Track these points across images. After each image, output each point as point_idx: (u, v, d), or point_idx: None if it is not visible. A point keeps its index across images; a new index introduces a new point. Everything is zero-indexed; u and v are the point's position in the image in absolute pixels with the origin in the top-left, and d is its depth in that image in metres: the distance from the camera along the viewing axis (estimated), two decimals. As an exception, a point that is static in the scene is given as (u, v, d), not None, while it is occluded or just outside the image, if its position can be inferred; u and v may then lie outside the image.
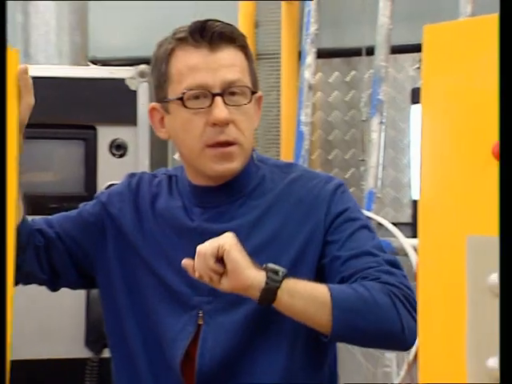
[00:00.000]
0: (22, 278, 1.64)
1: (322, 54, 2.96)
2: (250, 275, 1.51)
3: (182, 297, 1.68)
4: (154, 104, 1.72)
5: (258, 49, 3.18)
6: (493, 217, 1.11)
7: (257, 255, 1.61)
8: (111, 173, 2.67)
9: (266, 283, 1.50)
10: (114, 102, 2.65)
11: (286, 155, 2.98)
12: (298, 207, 1.69)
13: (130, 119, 2.65)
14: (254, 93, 1.67)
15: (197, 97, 1.62)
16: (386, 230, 2.68)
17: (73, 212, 1.82)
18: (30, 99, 1.48)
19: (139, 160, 2.67)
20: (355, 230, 1.68)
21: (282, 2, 3.01)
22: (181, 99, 1.62)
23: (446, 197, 1.17)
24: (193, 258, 1.58)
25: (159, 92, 1.69)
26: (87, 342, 2.51)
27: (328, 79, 3.01)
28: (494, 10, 1.14)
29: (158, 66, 1.67)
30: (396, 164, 2.92)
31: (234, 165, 1.65)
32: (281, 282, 1.52)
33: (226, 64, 1.63)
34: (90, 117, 2.66)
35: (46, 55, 2.77)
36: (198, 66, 1.62)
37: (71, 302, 2.54)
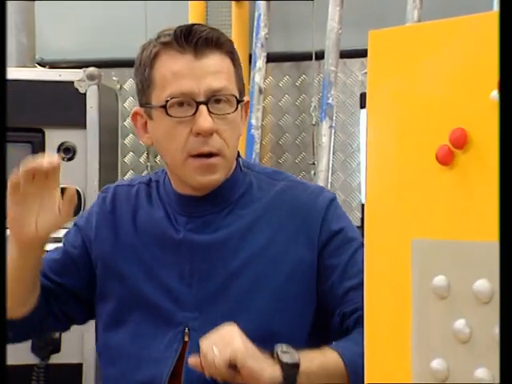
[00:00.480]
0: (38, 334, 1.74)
1: (272, 57, 2.97)
2: (267, 377, 1.46)
3: (166, 313, 1.64)
4: (137, 109, 1.67)
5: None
6: (437, 220, 1.13)
7: (246, 268, 1.61)
8: (59, 176, 2.64)
9: (284, 378, 1.46)
10: (62, 104, 2.64)
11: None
12: (289, 220, 1.66)
13: (79, 122, 2.63)
14: (240, 101, 1.62)
15: (181, 104, 1.57)
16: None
17: (58, 250, 1.76)
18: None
19: (88, 163, 2.65)
20: (353, 253, 1.65)
21: (233, 5, 3.01)
22: (164, 107, 1.58)
23: (391, 200, 1.18)
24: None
25: (142, 97, 1.64)
26: (33, 347, 2.48)
27: (278, 83, 3.02)
28: (440, 17, 1.16)
29: (142, 70, 1.62)
30: (345, 168, 2.93)
31: (217, 176, 1.61)
32: (297, 374, 1.48)
33: (212, 71, 1.57)
34: (38, 120, 2.64)
35: (-8, 57, 2.73)
36: (183, 73, 1.57)
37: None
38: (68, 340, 2.64)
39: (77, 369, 2.64)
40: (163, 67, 1.58)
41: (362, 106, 2.62)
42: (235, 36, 3.01)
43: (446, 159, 1.11)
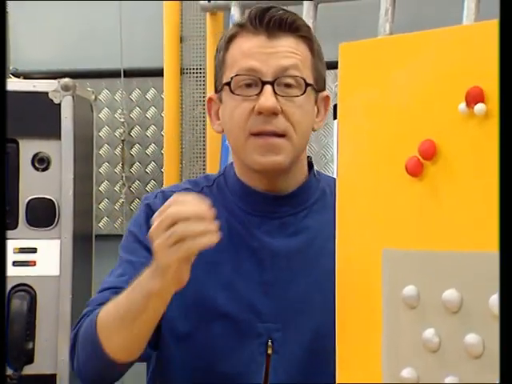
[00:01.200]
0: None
1: (246, 69, 2.97)
2: None
3: (244, 325, 1.51)
4: (211, 94, 1.59)
5: (183, 63, 3.18)
6: (408, 231, 1.14)
7: (328, 276, 1.39)
8: (34, 186, 2.64)
9: None
10: (36, 115, 2.62)
11: (212, 168, 2.98)
12: None
13: (54, 133, 2.62)
14: (311, 85, 1.50)
15: (248, 85, 1.48)
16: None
17: (127, 269, 1.54)
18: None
19: (63, 174, 2.64)
20: None
21: (208, 16, 3.02)
22: (229, 84, 1.49)
23: (362, 211, 1.19)
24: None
25: (216, 81, 1.56)
26: (8, 358, 2.46)
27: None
28: (411, 30, 1.17)
29: (218, 55, 1.56)
30: (320, 178, 2.93)
31: (280, 158, 1.48)
32: None
33: (284, 51, 1.48)
34: (12, 130, 2.58)
35: (-34, 67, 2.72)
36: (252, 51, 1.49)
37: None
38: (41, 350, 2.62)
39: (50, 379, 2.62)
40: (235, 48, 1.52)
41: (335, 117, 2.63)
42: (210, 47, 3.01)
43: (415, 170, 1.11)
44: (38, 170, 2.64)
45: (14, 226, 2.62)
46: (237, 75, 1.48)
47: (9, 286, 2.47)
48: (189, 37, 3.13)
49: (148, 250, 1.48)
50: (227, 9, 2.94)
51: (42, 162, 2.65)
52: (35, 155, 2.64)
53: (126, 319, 1.39)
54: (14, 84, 2.70)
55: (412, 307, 1.12)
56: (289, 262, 1.53)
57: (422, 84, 1.11)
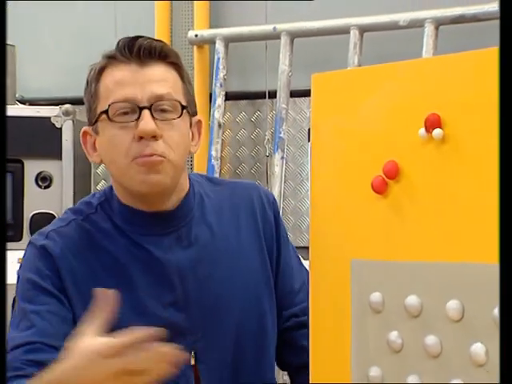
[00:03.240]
0: None
1: (230, 96, 2.97)
2: None
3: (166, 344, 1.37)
4: (85, 128, 1.45)
5: (172, 91, 3.18)
6: (374, 243, 1.13)
7: (230, 277, 1.45)
8: (37, 202, 2.62)
9: None
10: (40, 138, 2.61)
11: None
12: (243, 217, 1.52)
13: (55, 153, 2.61)
14: (185, 107, 1.41)
15: (125, 112, 1.37)
16: (282, 221, 2.70)
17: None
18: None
19: (64, 191, 2.63)
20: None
21: (195, 49, 3.02)
22: (106, 112, 1.37)
23: (332, 225, 1.19)
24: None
25: (90, 114, 1.43)
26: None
27: (236, 119, 3.02)
28: (377, 62, 1.18)
29: (89, 88, 1.43)
30: (296, 194, 2.94)
31: (161, 177, 1.38)
32: None
33: (156, 79, 1.39)
34: (18, 151, 2.61)
35: (-24, 95, 2.70)
36: (126, 80, 1.38)
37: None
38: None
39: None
40: (108, 79, 1.40)
41: (309, 139, 2.63)
42: (197, 77, 3.01)
43: (380, 188, 1.11)
44: (41, 188, 2.63)
45: (19, 238, 2.60)
46: (113, 103, 1.37)
47: (12, 295, 2.45)
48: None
49: (49, 294, 1.39)
50: (212, 42, 2.95)
51: (44, 180, 2.63)
52: (38, 174, 2.63)
53: None
54: (20, 110, 2.69)
55: (378, 312, 1.12)
56: (194, 272, 1.44)
57: (387, 111, 1.12)
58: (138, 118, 1.37)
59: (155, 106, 1.38)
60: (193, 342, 1.42)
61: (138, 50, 1.39)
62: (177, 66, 1.43)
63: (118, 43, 1.41)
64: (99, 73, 1.42)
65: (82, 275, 1.41)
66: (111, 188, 1.49)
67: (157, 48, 1.40)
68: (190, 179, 1.51)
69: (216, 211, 1.51)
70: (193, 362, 1.42)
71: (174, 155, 1.39)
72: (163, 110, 1.39)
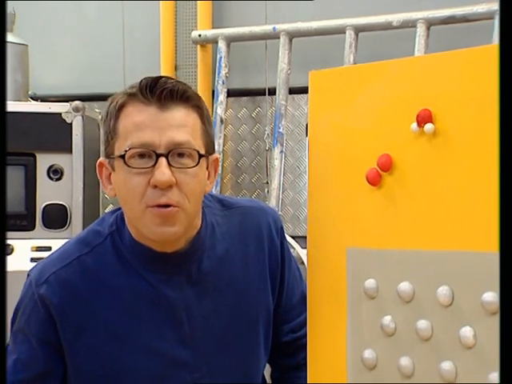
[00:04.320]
0: None
1: (231, 93, 2.96)
2: None
3: (172, 380, 1.36)
4: (101, 159, 1.36)
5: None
6: (368, 232, 1.13)
7: (236, 311, 1.40)
8: (49, 194, 2.61)
9: None
10: (51, 132, 2.60)
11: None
12: (253, 249, 1.46)
13: (66, 148, 2.60)
14: (203, 156, 1.32)
15: (141, 156, 1.28)
16: (287, 242, 2.70)
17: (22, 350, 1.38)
18: None
19: (74, 183, 2.62)
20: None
21: (198, 48, 3.01)
22: (123, 157, 1.28)
23: (329, 215, 1.18)
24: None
25: (107, 147, 1.34)
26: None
27: (237, 115, 3.02)
28: (372, 60, 1.17)
29: (108, 122, 1.33)
30: (294, 186, 2.93)
31: (175, 229, 1.30)
32: None
33: (176, 124, 1.29)
34: (31, 146, 2.60)
35: (-9, 92, 2.70)
36: (145, 124, 1.28)
37: (11, 307, 2.47)
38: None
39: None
40: (127, 118, 1.30)
41: (307, 134, 2.62)
42: (200, 74, 3.01)
43: (374, 181, 1.11)
44: (52, 180, 2.62)
45: (32, 227, 2.60)
46: (131, 149, 1.28)
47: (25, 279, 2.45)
48: (182, 65, 3.12)
49: (41, 347, 1.35)
50: (215, 41, 2.94)
51: (56, 173, 2.62)
52: (50, 167, 2.62)
53: None
54: (32, 106, 2.68)
55: (372, 298, 1.12)
56: (200, 308, 1.38)
57: (381, 106, 1.11)
58: (155, 164, 1.27)
59: (173, 153, 1.28)
60: (198, 377, 1.38)
61: (160, 92, 1.29)
62: (198, 108, 1.33)
63: (141, 82, 1.31)
64: (119, 109, 1.32)
65: (84, 321, 1.35)
66: (122, 219, 1.40)
67: (179, 91, 1.30)
68: (202, 208, 1.42)
69: (225, 241, 1.43)
70: None
71: (189, 204, 1.30)
72: (180, 155, 1.29)
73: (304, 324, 1.34)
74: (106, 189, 1.37)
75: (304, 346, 1.48)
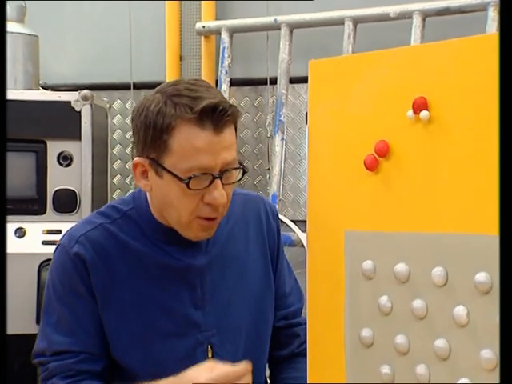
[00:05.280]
0: None
1: (234, 82, 2.95)
2: None
3: (186, 338, 1.41)
4: (141, 160, 1.36)
5: (182, 78, 3.16)
6: (366, 215, 1.13)
7: (240, 280, 1.47)
8: (59, 179, 2.62)
9: None
10: (61, 120, 2.60)
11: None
12: (252, 227, 1.53)
13: (75, 135, 2.60)
14: (243, 168, 1.38)
15: (198, 176, 1.31)
16: (287, 226, 2.70)
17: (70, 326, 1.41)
18: None
19: (83, 169, 2.62)
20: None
21: (202, 39, 3.00)
22: (185, 181, 1.30)
23: (328, 199, 1.18)
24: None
25: (151, 152, 1.33)
26: (38, 320, 2.45)
27: (240, 103, 3.01)
28: (369, 50, 1.16)
29: (154, 131, 1.31)
30: (295, 172, 2.93)
31: (213, 231, 1.40)
32: None
33: (227, 145, 1.32)
34: (41, 133, 2.60)
35: (3, 81, 2.70)
36: (203, 148, 1.29)
37: (24, 288, 2.49)
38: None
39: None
40: (183, 139, 1.30)
41: (307, 122, 2.62)
42: (204, 65, 3.00)
43: (372, 166, 1.11)
44: (62, 166, 2.62)
45: (43, 211, 2.60)
46: (194, 176, 1.30)
47: (38, 262, 2.46)
48: (187, 56, 3.11)
49: (85, 301, 1.40)
50: (218, 33, 2.93)
51: (65, 159, 2.62)
52: (60, 153, 2.62)
53: None
54: (43, 95, 2.68)
55: (369, 278, 1.12)
56: (211, 274, 1.45)
57: (378, 94, 1.11)
58: (210, 184, 1.32)
59: (223, 171, 1.33)
60: (209, 336, 1.44)
61: (217, 118, 1.30)
62: (235, 122, 1.37)
63: (202, 109, 1.29)
64: (170, 127, 1.30)
65: (110, 279, 1.40)
66: (140, 199, 1.45)
67: (232, 116, 1.32)
68: None
69: (231, 220, 1.50)
70: (210, 355, 1.44)
71: (226, 208, 1.39)
72: (228, 171, 1.34)
73: (297, 314, 1.39)
74: (140, 183, 1.39)
75: (297, 335, 1.53)
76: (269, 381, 1.63)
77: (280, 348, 1.59)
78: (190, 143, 1.30)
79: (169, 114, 1.31)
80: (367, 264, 1.12)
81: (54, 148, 2.61)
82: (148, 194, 1.44)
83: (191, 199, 1.33)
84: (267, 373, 1.63)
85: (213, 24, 2.95)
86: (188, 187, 1.31)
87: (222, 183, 1.33)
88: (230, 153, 1.33)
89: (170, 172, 1.32)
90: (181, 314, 1.42)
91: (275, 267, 1.56)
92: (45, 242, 2.55)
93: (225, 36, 2.89)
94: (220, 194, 1.32)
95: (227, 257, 1.48)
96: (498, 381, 0.94)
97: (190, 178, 1.30)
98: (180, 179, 1.31)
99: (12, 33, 2.69)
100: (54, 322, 1.42)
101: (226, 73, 2.89)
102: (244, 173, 1.38)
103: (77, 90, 2.61)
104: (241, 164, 1.37)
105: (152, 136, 1.33)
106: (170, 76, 3.01)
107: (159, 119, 1.31)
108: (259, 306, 1.52)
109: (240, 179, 1.38)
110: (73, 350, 1.40)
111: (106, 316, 1.41)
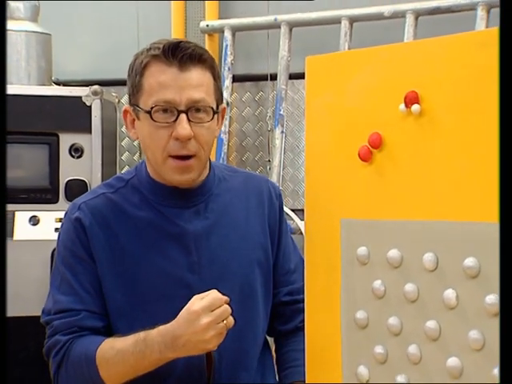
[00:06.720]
0: None
1: (236, 78, 2.95)
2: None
3: (179, 300, 1.36)
4: (127, 107, 1.45)
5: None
6: (360, 204, 1.13)
7: (237, 247, 1.47)
8: (70, 170, 2.62)
9: None
10: (72, 114, 2.60)
11: (210, 157, 2.96)
12: (253, 201, 1.53)
13: (86, 128, 2.60)
14: (216, 112, 1.42)
15: (164, 111, 1.36)
16: (287, 214, 2.70)
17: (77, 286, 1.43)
18: None
19: (93, 160, 2.62)
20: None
21: (206, 37, 2.99)
22: (149, 112, 1.37)
23: (324, 189, 1.18)
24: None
25: (132, 98, 1.42)
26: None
27: (242, 98, 3.00)
28: (364, 47, 1.16)
29: (133, 77, 1.41)
30: (294, 164, 2.93)
31: (192, 175, 1.42)
32: None
33: (194, 84, 1.37)
34: (54, 126, 2.60)
35: (17, 78, 2.70)
36: (168, 83, 1.36)
37: (38, 272, 2.49)
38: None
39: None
40: (151, 77, 1.37)
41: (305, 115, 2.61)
42: (208, 62, 3.00)
43: (365, 157, 1.10)
44: (73, 158, 2.62)
45: (56, 200, 2.60)
46: (156, 106, 1.36)
47: (51, 248, 2.45)
48: (192, 53, 3.11)
49: (85, 263, 1.42)
50: (221, 31, 2.92)
51: (77, 151, 2.62)
52: (72, 146, 2.62)
53: (131, 373, 1.37)
54: (55, 90, 2.68)
55: (364, 264, 1.11)
56: (207, 240, 1.46)
57: (372, 88, 1.10)
58: (176, 119, 1.37)
59: (191, 109, 1.37)
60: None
61: (180, 55, 1.36)
62: (212, 68, 1.41)
63: (164, 45, 1.37)
64: (144, 67, 1.39)
65: (108, 242, 1.43)
66: (141, 164, 1.50)
67: (197, 54, 1.38)
68: (212, 164, 1.53)
69: (230, 192, 1.52)
70: None
71: (204, 152, 1.41)
72: (197, 110, 1.38)
73: (301, 291, 1.36)
74: (130, 132, 1.46)
75: (301, 311, 1.52)
76: (274, 354, 1.63)
77: (284, 322, 1.58)
78: (156, 79, 1.37)
79: (142, 56, 1.40)
80: (362, 250, 1.11)
81: (65, 140, 2.61)
82: (145, 158, 1.48)
83: (161, 135, 1.38)
84: (272, 347, 1.63)
85: (216, 23, 2.94)
86: (152, 118, 1.37)
87: (189, 120, 1.37)
88: (197, 92, 1.37)
89: (141, 109, 1.39)
90: (176, 277, 1.42)
91: (277, 243, 1.55)
92: (57, 230, 2.54)
93: (227, 34, 2.88)
94: (183, 127, 1.36)
95: (226, 224, 1.48)
96: (485, 360, 0.94)
97: (152, 109, 1.36)
98: (146, 112, 1.37)
99: (26, 31, 2.69)
100: (58, 283, 1.45)
101: (229, 69, 2.88)
102: (214, 113, 1.40)
103: (87, 86, 2.61)
104: (211, 106, 1.39)
105: (132, 82, 1.42)
106: (176, 72, 3.00)
107: (137, 63, 1.41)
108: (252, 273, 1.50)
109: (211, 119, 1.40)
110: (74, 307, 1.42)
111: (103, 278, 1.43)
